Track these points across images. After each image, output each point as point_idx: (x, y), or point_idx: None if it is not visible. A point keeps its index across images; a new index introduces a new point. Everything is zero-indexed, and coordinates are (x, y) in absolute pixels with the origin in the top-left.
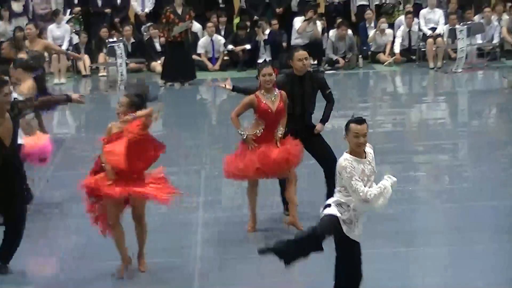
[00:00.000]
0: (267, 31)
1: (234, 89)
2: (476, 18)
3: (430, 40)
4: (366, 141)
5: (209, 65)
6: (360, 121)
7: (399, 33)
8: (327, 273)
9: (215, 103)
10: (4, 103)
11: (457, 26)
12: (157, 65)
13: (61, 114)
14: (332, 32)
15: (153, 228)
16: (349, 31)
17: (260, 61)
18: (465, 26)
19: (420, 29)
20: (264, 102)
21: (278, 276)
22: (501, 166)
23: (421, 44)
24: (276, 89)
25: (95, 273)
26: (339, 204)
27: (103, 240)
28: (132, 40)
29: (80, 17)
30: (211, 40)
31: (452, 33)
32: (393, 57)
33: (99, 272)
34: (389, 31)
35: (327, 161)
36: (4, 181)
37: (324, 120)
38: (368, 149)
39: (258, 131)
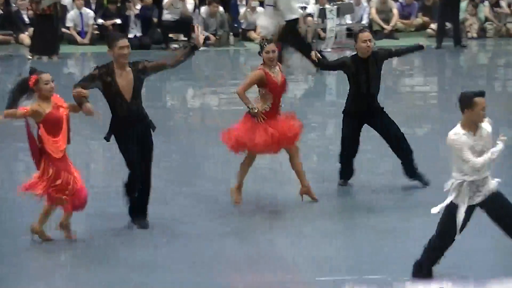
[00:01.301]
0: (138, 6)
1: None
2: None
3: (300, 19)
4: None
5: (78, 38)
6: (483, 94)
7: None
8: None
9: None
10: (120, 56)
11: (326, 6)
12: (25, 37)
13: None
14: (203, 9)
15: None
16: (220, 8)
17: (130, 35)
18: (335, 6)
19: None
20: (272, 76)
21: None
22: (367, 148)
23: None
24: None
25: None
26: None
27: None
28: (0, 11)
29: None
30: (80, 13)
31: (322, 13)
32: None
33: None
34: (260, 9)
35: (392, 139)
36: (140, 138)
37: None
38: (486, 124)
39: (267, 106)
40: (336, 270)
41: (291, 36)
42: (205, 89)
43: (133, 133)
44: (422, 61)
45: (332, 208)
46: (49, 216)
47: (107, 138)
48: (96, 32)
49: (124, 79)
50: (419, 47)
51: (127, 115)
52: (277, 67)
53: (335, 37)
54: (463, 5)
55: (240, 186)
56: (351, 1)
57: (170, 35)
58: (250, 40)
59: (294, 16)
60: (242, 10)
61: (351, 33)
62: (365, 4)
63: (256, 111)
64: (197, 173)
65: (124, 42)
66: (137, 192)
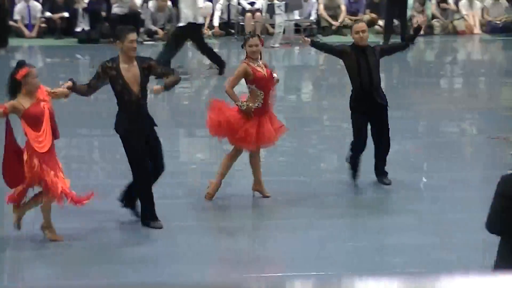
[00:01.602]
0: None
1: (313, 44)
2: None
3: (248, 14)
4: None
5: (26, 31)
6: None
7: (218, 6)
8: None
9: None
10: (129, 49)
11: (275, 1)
12: None
13: None
14: (151, 3)
15: None
16: (169, 3)
17: (78, 29)
18: (283, 2)
19: (239, 3)
20: (258, 70)
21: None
22: (312, 142)
23: (240, 18)
24: (261, 60)
25: None
26: None
27: None
28: None
29: None
30: (28, 6)
31: (271, 8)
32: (212, 30)
33: None
34: (208, 4)
35: (383, 142)
36: (146, 135)
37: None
38: None
39: (258, 104)
40: (287, 266)
41: (195, 41)
42: (150, 84)
43: (140, 130)
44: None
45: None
46: (49, 210)
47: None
48: (44, 25)
49: (131, 73)
50: (407, 45)
51: (135, 109)
52: (261, 62)
53: (283, 33)
54: (410, 2)
55: (220, 182)
56: None
57: None
58: None
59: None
60: None
61: (299, 29)
62: (313, 0)
63: (245, 107)
64: None
65: (134, 35)
66: (148, 191)
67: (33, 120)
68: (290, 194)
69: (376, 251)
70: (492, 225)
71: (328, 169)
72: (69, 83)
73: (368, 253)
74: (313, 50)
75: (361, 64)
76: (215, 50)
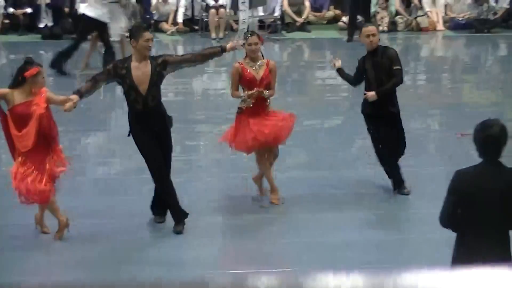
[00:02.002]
0: None
1: (338, 70)
2: None
3: (212, 10)
4: None
5: None
6: None
7: (182, 2)
8: None
9: None
10: (144, 48)
11: None
12: None
13: None
14: None
15: None
16: None
17: (41, 25)
18: None
19: (203, 0)
20: (248, 71)
21: None
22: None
23: (204, 14)
24: (263, 58)
25: None
26: None
27: None
28: None
29: None
30: None
31: (235, 5)
32: (176, 27)
33: None
34: (172, 0)
35: (386, 151)
36: (157, 134)
37: (380, 91)
38: None
39: (247, 104)
40: (242, 263)
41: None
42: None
43: (149, 129)
44: (333, 54)
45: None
46: (54, 205)
47: (128, 134)
48: (7, 21)
49: (141, 71)
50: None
51: (142, 109)
52: (261, 61)
53: (247, 29)
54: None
55: (260, 177)
56: None
57: None
58: (162, 31)
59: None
60: (154, 1)
61: (263, 25)
62: None
63: (243, 102)
64: (106, 162)
65: (149, 34)
66: (163, 187)
67: (18, 119)
68: (254, 191)
69: (336, 247)
70: (445, 220)
71: (294, 165)
72: (76, 97)
73: (328, 249)
74: (277, 46)
75: (369, 71)
76: (179, 46)
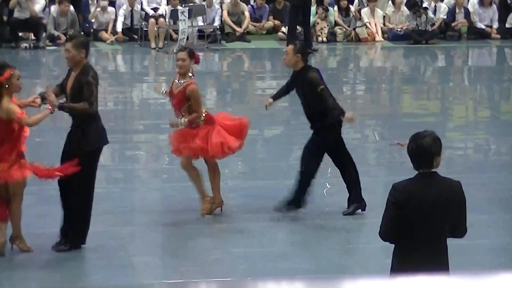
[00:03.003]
0: None
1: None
2: (198, 0)
3: (152, 20)
4: None
5: None
6: None
7: (121, 11)
8: None
9: None
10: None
11: (179, 7)
12: None
13: None
14: (53, 8)
15: None
16: (71, 7)
17: None
18: (187, 8)
19: (142, 9)
20: (172, 84)
21: None
22: None
23: (143, 23)
24: (189, 79)
25: None
26: None
27: None
28: None
29: None
30: None
31: (174, 14)
32: (115, 36)
33: None
34: (111, 9)
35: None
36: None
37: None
38: None
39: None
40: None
41: None
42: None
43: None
44: (273, 64)
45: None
46: (20, 216)
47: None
48: None
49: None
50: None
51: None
52: (184, 81)
53: (187, 39)
54: (313, 9)
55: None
56: (203, 3)
57: (20, 34)
58: (102, 40)
59: None
60: (92, 9)
61: (203, 35)
62: (217, 6)
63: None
64: None
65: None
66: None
67: None
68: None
69: (278, 256)
70: (386, 234)
71: (231, 175)
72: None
73: (263, 259)
74: (216, 56)
75: (297, 90)
76: (118, 56)
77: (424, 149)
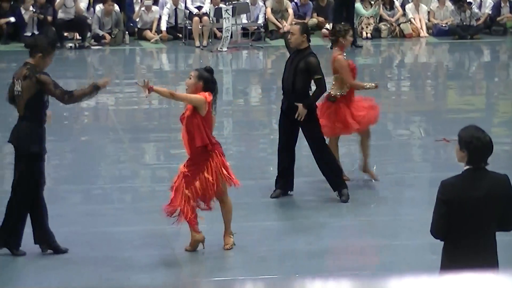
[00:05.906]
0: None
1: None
2: None
3: (196, 18)
4: None
5: None
6: None
7: (165, 10)
8: None
9: None
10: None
11: (222, 5)
12: None
13: None
14: (98, 7)
15: None
16: (116, 7)
17: (28, 34)
18: (230, 6)
19: (186, 7)
20: None
21: None
22: (260, 146)
23: (187, 22)
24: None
25: None
26: None
27: None
28: None
29: None
30: None
31: (218, 12)
32: (160, 35)
33: None
34: (155, 8)
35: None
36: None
37: (305, 102)
38: None
39: None
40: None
41: None
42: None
43: None
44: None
45: None
46: None
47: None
48: None
49: None
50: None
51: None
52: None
53: (231, 37)
54: (358, 5)
55: None
56: (247, 1)
57: (65, 34)
58: (146, 39)
59: None
60: (137, 9)
61: (246, 33)
62: (260, 3)
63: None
64: (91, 172)
65: None
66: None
67: None
68: (237, 197)
69: (324, 253)
70: (437, 231)
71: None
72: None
73: (316, 255)
74: (260, 53)
75: (286, 66)
76: (163, 55)
77: (490, 146)
